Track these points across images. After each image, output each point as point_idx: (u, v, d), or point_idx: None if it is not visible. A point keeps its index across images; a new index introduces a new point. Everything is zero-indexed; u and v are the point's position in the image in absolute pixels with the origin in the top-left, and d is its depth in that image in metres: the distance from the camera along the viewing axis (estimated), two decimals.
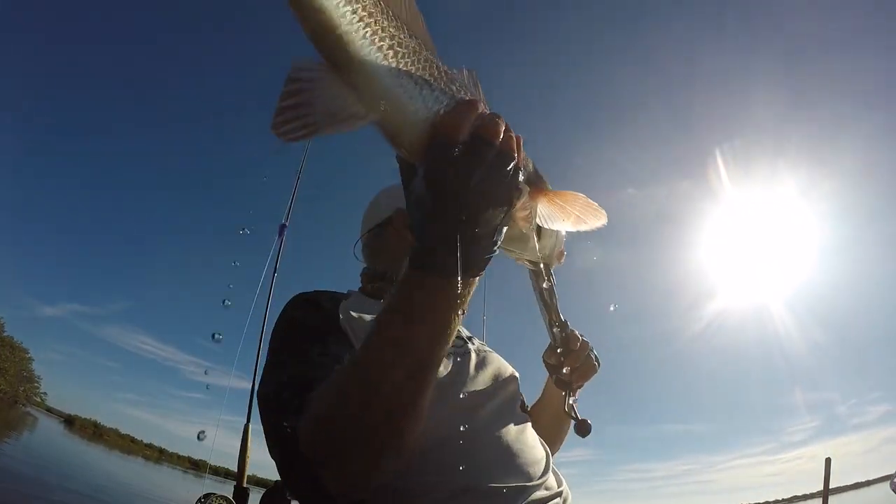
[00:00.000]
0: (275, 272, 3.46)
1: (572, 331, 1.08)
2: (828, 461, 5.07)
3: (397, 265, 1.10)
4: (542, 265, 0.87)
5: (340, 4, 0.43)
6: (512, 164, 0.52)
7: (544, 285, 0.98)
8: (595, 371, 1.11)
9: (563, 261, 0.85)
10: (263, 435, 0.77)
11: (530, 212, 0.61)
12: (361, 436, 0.58)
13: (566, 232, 0.78)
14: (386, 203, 1.20)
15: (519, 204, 0.57)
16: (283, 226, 3.59)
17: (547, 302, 1.03)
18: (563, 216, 0.67)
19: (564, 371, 1.08)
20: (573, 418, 1.07)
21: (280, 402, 0.70)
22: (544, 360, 1.16)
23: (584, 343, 1.10)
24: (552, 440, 1.11)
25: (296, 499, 0.68)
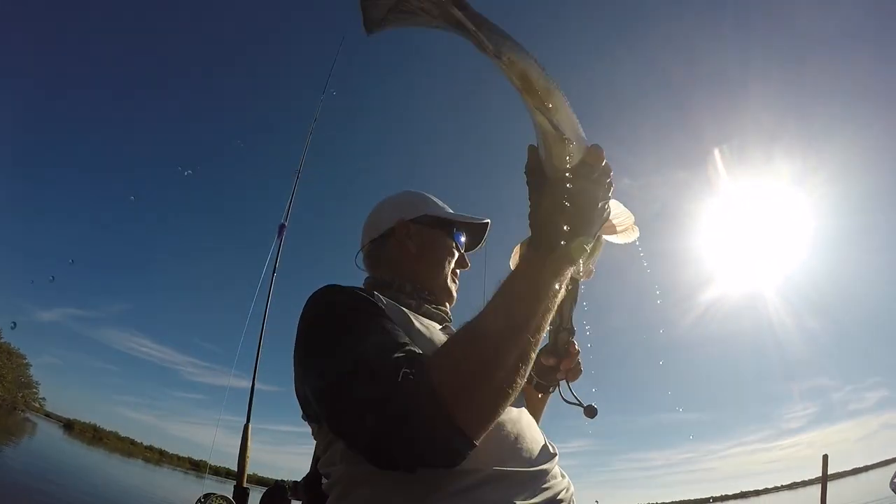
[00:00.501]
0: (274, 272, 3.46)
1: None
2: (825, 458, 5.07)
3: (400, 274, 1.14)
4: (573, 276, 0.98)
5: (551, 88, 0.71)
6: (613, 189, 0.79)
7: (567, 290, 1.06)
8: (580, 375, 1.20)
9: (591, 277, 1.02)
10: (341, 409, 0.75)
11: (621, 221, 0.86)
12: (499, 379, 0.69)
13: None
14: (388, 214, 1.21)
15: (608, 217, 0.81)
16: (283, 226, 3.58)
17: (563, 309, 1.10)
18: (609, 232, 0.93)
19: (560, 371, 1.16)
20: (580, 404, 1.15)
21: (387, 365, 0.71)
22: (539, 360, 1.19)
23: (578, 350, 1.18)
24: None
25: (416, 445, 0.68)
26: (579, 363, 1.18)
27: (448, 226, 1.22)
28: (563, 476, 0.92)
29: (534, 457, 0.88)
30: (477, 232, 1.32)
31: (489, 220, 1.33)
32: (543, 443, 0.94)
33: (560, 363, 1.15)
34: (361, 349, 0.76)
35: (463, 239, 1.25)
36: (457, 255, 1.21)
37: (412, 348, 0.76)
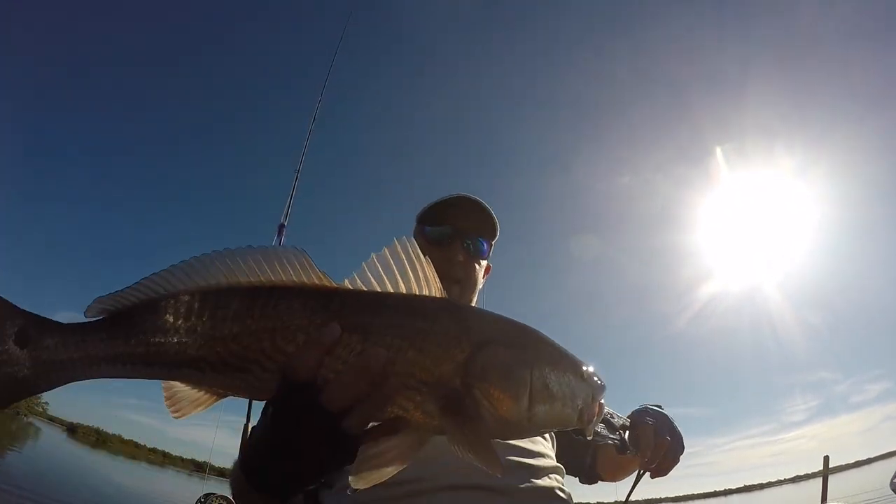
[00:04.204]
0: None
1: None
2: (826, 459, 5.03)
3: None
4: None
5: None
6: None
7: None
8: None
9: (596, 420, 0.72)
10: None
11: None
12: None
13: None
14: None
15: None
16: (282, 225, 3.54)
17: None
18: None
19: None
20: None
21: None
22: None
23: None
24: None
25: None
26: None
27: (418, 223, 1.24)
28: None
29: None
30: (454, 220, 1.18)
31: (461, 195, 1.19)
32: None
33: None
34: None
35: (429, 230, 1.18)
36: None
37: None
